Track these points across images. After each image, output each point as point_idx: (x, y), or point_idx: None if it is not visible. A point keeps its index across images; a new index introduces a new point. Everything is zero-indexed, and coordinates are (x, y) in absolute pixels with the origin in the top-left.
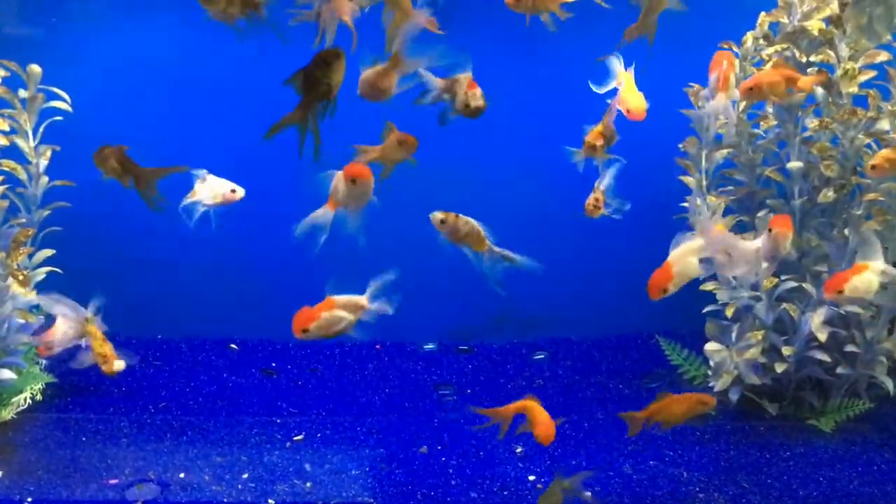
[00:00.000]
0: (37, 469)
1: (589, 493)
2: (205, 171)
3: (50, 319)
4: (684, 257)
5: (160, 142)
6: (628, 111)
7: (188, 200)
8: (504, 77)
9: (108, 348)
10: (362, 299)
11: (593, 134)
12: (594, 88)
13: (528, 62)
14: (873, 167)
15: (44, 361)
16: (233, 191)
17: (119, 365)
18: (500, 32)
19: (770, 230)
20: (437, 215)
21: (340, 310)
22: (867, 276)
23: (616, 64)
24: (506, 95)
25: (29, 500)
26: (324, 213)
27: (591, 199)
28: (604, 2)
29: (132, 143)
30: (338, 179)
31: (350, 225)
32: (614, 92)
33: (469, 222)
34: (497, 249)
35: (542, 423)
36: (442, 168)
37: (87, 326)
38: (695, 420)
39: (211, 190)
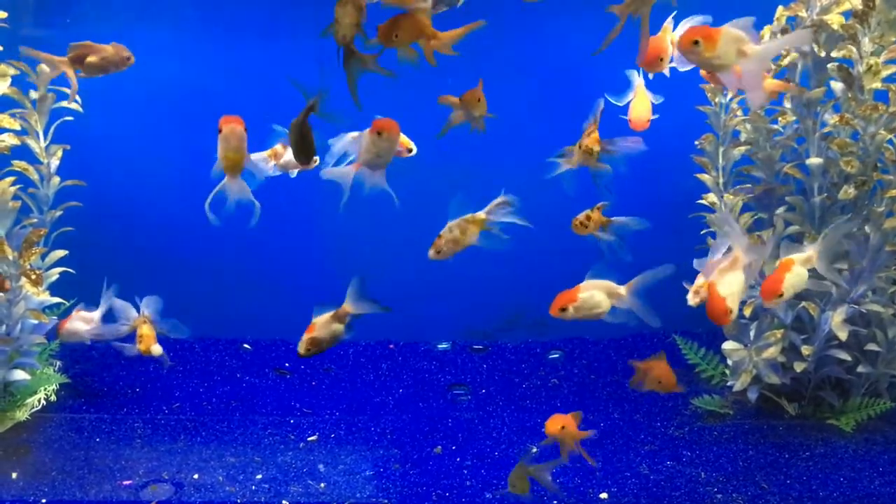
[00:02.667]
0: (51, 470)
1: (549, 479)
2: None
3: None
4: (594, 289)
5: (166, 141)
6: (630, 121)
7: (268, 162)
8: (530, 75)
9: (149, 333)
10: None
11: (592, 139)
12: (612, 101)
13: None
14: None
15: (58, 362)
16: (314, 162)
17: (157, 349)
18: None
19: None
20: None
21: None
22: (797, 271)
23: (635, 76)
24: (528, 94)
25: (43, 501)
26: (347, 171)
27: (581, 217)
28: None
29: (137, 141)
30: (364, 138)
31: (371, 183)
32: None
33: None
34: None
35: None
36: (458, 167)
37: (141, 324)
38: (712, 419)
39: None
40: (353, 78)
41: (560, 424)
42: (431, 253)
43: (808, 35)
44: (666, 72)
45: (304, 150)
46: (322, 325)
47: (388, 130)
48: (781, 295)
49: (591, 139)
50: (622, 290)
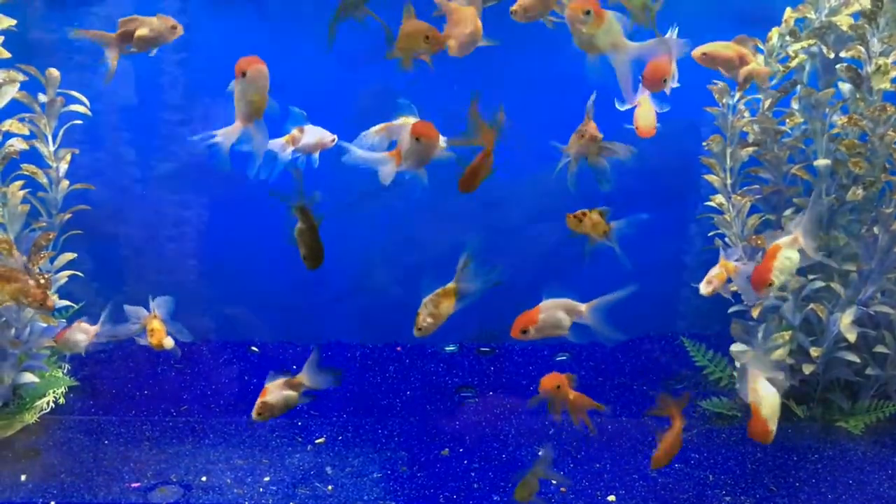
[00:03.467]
0: (60, 472)
1: (560, 474)
2: (304, 113)
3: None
4: (554, 309)
5: (171, 141)
6: (637, 128)
7: (286, 148)
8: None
9: (159, 327)
10: None
11: (591, 127)
12: (618, 106)
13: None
14: None
15: (67, 365)
16: (332, 140)
17: (169, 342)
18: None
19: None
20: None
21: None
22: (784, 255)
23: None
24: (538, 97)
25: (52, 503)
26: (386, 162)
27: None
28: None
29: (140, 140)
30: (404, 142)
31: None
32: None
33: None
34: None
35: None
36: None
37: (151, 320)
38: (720, 421)
39: (312, 136)
40: (339, 16)
41: (555, 383)
42: (416, 332)
43: (673, 41)
44: (667, 91)
45: (317, 255)
46: (274, 390)
47: (426, 137)
48: (772, 283)
49: (591, 127)
50: (582, 307)
